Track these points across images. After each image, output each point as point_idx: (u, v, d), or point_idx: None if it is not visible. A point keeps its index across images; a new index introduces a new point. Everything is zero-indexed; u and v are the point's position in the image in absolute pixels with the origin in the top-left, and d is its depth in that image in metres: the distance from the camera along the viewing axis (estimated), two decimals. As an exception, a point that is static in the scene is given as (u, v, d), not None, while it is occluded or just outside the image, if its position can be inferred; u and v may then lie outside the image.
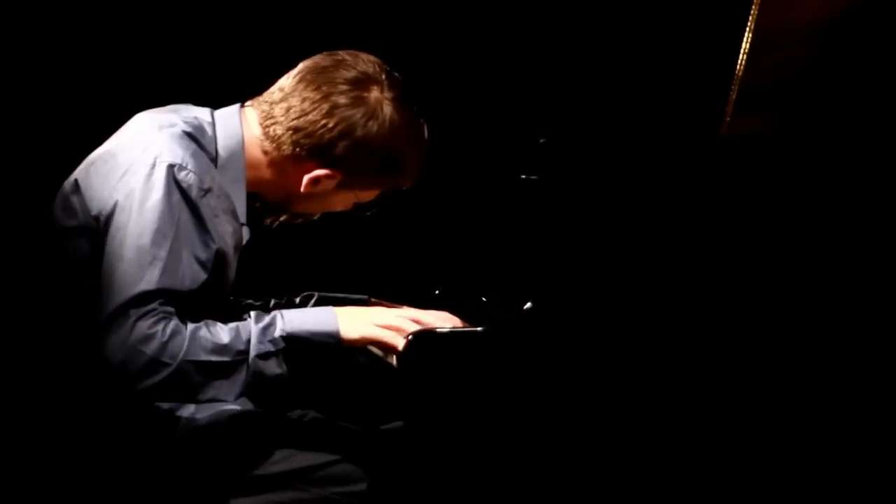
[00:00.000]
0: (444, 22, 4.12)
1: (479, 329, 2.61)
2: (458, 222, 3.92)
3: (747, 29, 2.84)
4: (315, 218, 2.82)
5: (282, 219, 2.78)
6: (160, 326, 2.44)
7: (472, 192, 3.93)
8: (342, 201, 2.75)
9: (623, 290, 2.67)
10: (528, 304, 2.61)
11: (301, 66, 2.68)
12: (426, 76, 3.59)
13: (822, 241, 2.71)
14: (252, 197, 2.69)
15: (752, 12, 2.82)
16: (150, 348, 2.43)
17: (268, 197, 2.72)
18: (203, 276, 2.52)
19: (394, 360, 2.64)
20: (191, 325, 2.48)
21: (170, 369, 2.44)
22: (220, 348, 2.49)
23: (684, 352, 2.67)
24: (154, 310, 2.44)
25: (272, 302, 3.01)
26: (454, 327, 2.63)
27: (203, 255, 2.53)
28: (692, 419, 2.72)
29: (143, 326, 2.43)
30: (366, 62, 2.66)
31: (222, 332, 2.50)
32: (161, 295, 2.45)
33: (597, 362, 2.65)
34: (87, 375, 2.55)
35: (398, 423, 2.83)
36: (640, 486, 2.76)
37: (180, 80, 3.85)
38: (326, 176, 2.65)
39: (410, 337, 2.57)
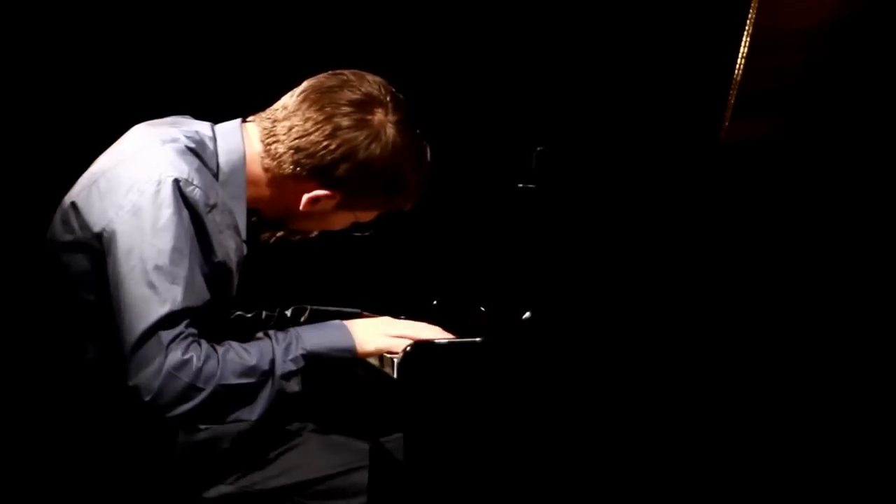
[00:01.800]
0: (442, 30, 4.12)
1: (477, 340, 2.60)
2: (456, 231, 3.92)
3: (745, 33, 2.83)
4: (313, 235, 2.82)
5: (279, 235, 2.78)
6: (194, 352, 2.45)
7: (469, 201, 3.93)
8: (341, 221, 2.74)
9: (622, 298, 2.66)
10: (527, 314, 2.60)
11: (305, 84, 2.67)
12: (423, 82, 3.59)
13: (822, 244, 2.70)
14: (249, 213, 2.68)
15: (749, 16, 2.82)
16: (187, 374, 2.44)
17: (266, 213, 2.72)
18: (208, 293, 2.52)
19: (392, 371, 2.64)
20: (220, 348, 2.50)
21: (204, 394, 2.46)
22: (249, 370, 2.51)
23: (685, 360, 2.66)
24: (183, 332, 2.45)
25: (264, 314, 3.00)
26: (453, 338, 2.63)
27: (207, 271, 2.53)
28: (692, 429, 2.71)
29: (178, 352, 2.44)
30: (370, 83, 2.65)
31: (247, 354, 2.52)
32: (187, 314, 2.46)
33: (596, 372, 2.64)
34: (82, 386, 2.55)
35: (398, 435, 2.82)
36: (639, 492, 2.74)
37: (180, 92, 3.84)
38: (326, 196, 2.64)
39: (409, 348, 2.57)
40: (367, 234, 2.77)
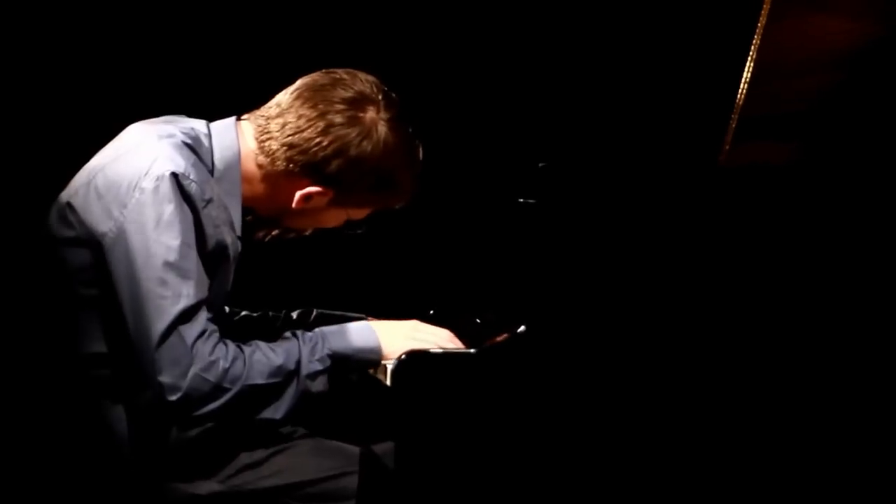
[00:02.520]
0: (446, 45, 4.13)
1: (471, 351, 2.62)
2: (456, 243, 3.92)
3: (749, 58, 2.85)
4: (306, 234, 2.82)
5: (273, 233, 2.79)
6: (221, 352, 2.48)
7: (470, 213, 3.94)
8: (334, 218, 2.75)
9: (617, 315, 2.67)
10: (522, 327, 2.62)
11: (299, 82, 2.68)
12: (428, 97, 3.61)
13: (821, 270, 2.71)
14: (244, 211, 2.69)
15: (753, 42, 2.83)
16: (215, 375, 2.46)
17: (260, 211, 2.73)
18: (208, 283, 2.55)
19: (385, 378, 2.65)
20: (247, 349, 2.52)
21: (229, 394, 2.48)
22: (275, 370, 2.53)
23: (678, 378, 2.67)
24: (205, 330, 2.47)
25: (270, 314, 3.02)
26: (446, 349, 2.64)
27: (206, 264, 2.54)
28: (683, 445, 2.72)
29: (205, 351, 2.46)
30: (363, 82, 2.66)
31: (274, 354, 2.55)
32: (200, 307, 2.48)
33: (588, 386, 2.65)
34: (80, 380, 2.57)
35: (389, 443, 2.83)
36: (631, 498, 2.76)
37: (176, 90, 3.86)
38: (319, 193, 2.66)
39: (403, 356, 2.58)
40: (359, 231, 2.78)
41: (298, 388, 2.55)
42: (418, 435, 2.74)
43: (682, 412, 2.70)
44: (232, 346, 2.51)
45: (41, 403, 2.60)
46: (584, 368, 2.65)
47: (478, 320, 2.95)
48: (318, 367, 2.57)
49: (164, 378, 2.43)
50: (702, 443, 2.73)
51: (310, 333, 2.61)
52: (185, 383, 2.44)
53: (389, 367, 2.63)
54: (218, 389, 2.46)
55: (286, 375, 2.54)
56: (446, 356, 2.61)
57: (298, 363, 2.55)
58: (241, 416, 2.52)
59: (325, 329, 2.63)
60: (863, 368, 2.71)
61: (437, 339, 2.68)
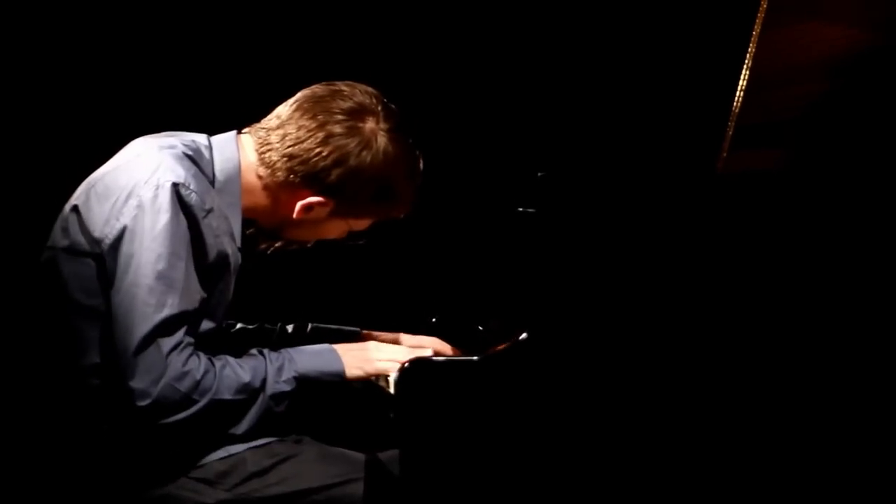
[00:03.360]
0: (445, 55, 4.14)
1: (474, 358, 2.63)
2: (457, 252, 3.94)
3: (745, 67, 2.86)
4: (309, 246, 2.84)
5: (276, 245, 2.81)
6: (193, 364, 2.50)
7: (471, 222, 3.95)
8: (335, 229, 2.77)
9: (618, 321, 2.69)
10: (524, 335, 2.63)
11: (299, 94, 2.71)
12: (428, 109, 3.62)
13: (818, 275, 2.73)
14: (246, 223, 2.71)
15: (749, 50, 2.85)
16: (185, 386, 2.48)
17: (262, 223, 2.75)
18: (204, 296, 2.57)
19: (390, 386, 2.67)
20: (217, 363, 2.55)
21: (197, 406, 2.50)
22: (242, 387, 2.56)
23: (678, 384, 2.69)
24: (182, 341, 2.49)
25: (266, 327, 3.04)
26: (449, 357, 2.66)
27: (203, 275, 2.57)
28: (688, 448, 2.74)
29: (178, 362, 2.48)
30: (363, 93, 2.68)
31: (242, 371, 2.57)
32: (183, 318, 2.50)
33: (590, 391, 2.66)
34: (83, 390, 2.59)
35: (394, 451, 2.84)
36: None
37: (177, 106, 3.88)
38: (319, 203, 2.68)
39: (406, 365, 2.60)
40: (360, 242, 2.80)
41: (262, 407, 2.59)
42: (423, 442, 2.75)
43: (683, 417, 2.70)
44: (204, 358, 2.53)
45: (44, 413, 2.63)
46: (586, 375, 2.66)
47: (480, 328, 2.97)
48: (285, 388, 2.61)
49: (136, 384, 2.46)
50: (703, 447, 2.74)
51: (276, 353, 2.65)
52: (155, 391, 2.46)
53: (393, 377, 2.65)
54: (187, 400, 2.49)
55: (251, 393, 2.57)
56: (449, 364, 2.63)
57: (264, 382, 2.59)
58: (206, 428, 2.55)
59: (292, 350, 2.67)
60: (860, 372, 2.72)
61: (395, 356, 2.72)
